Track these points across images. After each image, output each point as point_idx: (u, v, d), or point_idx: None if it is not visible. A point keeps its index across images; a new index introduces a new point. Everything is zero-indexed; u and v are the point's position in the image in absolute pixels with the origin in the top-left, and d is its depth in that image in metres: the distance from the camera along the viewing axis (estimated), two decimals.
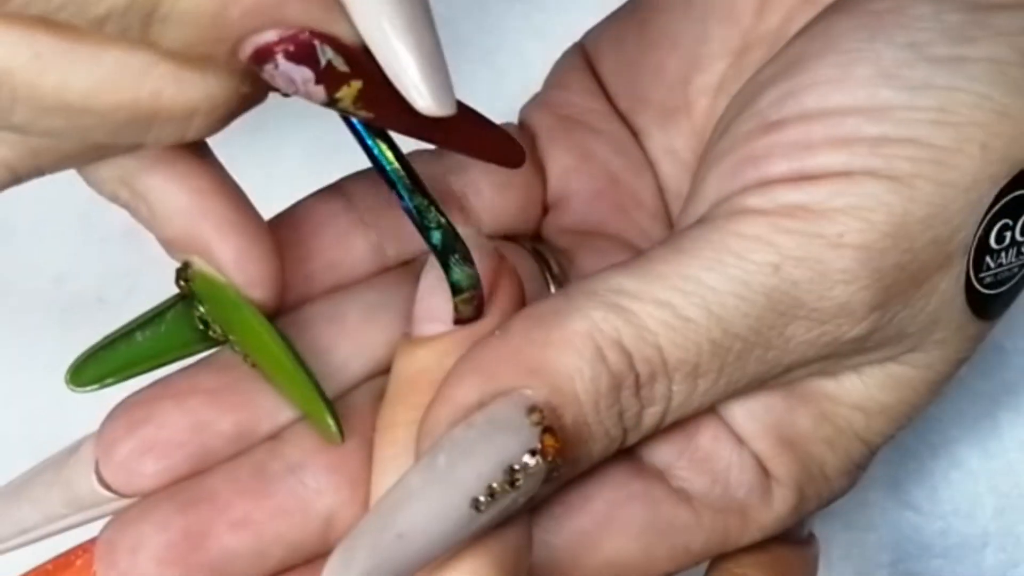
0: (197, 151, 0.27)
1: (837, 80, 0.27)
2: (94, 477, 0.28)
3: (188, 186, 0.27)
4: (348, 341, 0.29)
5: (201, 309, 0.28)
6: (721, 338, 0.26)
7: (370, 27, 0.22)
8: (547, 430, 0.25)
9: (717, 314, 0.26)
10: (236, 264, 0.27)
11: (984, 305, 0.28)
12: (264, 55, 0.22)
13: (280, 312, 0.28)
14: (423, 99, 0.22)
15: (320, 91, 0.23)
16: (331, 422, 0.26)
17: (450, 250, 0.26)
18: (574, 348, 0.26)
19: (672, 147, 0.33)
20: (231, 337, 0.28)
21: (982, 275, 0.28)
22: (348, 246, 0.31)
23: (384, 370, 0.29)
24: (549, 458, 0.25)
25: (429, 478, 0.24)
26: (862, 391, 0.29)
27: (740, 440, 0.29)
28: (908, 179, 0.26)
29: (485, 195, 0.32)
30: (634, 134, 0.34)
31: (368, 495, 0.27)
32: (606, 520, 0.28)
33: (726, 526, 0.28)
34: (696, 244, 0.26)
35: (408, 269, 0.31)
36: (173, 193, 0.27)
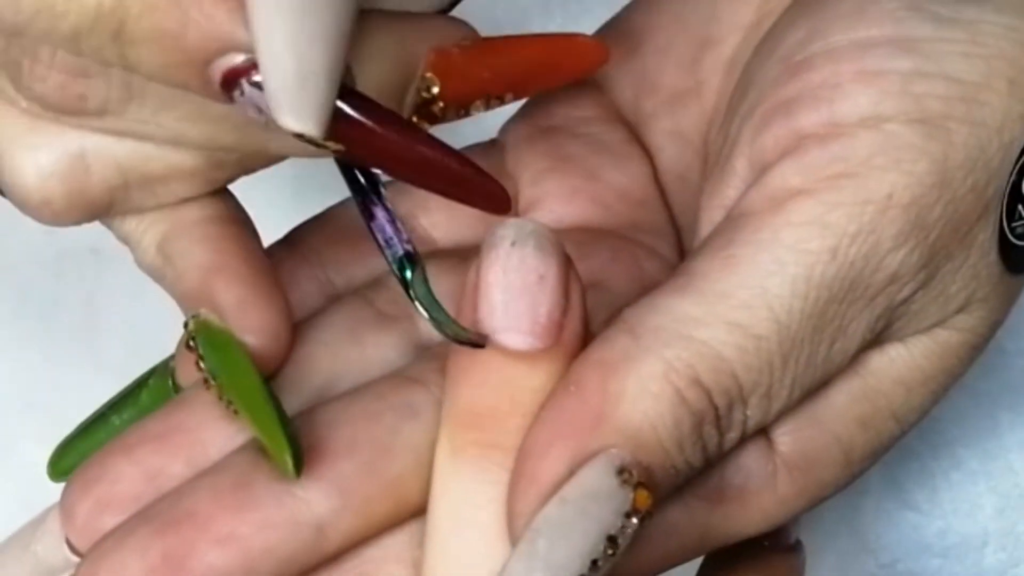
0: (229, 219, 0.29)
1: (861, 11, 0.27)
2: (65, 547, 0.27)
3: (211, 246, 0.28)
4: (290, 362, 0.29)
5: (203, 364, 0.28)
6: (790, 349, 0.25)
7: (254, 23, 0.22)
8: (638, 485, 0.24)
9: (784, 323, 0.25)
10: (235, 310, 0.27)
11: (1016, 257, 0.28)
12: (230, 81, 0.23)
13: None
14: (281, 110, 0.21)
15: None
16: (289, 460, 0.25)
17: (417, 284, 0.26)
18: (652, 395, 0.25)
19: (679, 129, 0.32)
20: (220, 384, 0.27)
21: (1014, 224, 0.27)
22: (296, 286, 0.30)
23: (332, 380, 0.29)
24: (643, 513, 0.24)
25: (532, 566, 0.23)
26: (908, 361, 0.28)
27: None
28: (940, 120, 0.26)
29: (434, 213, 0.32)
30: (632, 128, 0.33)
31: (363, 502, 0.26)
32: None
33: (723, 518, 0.28)
34: (750, 249, 0.26)
35: (349, 290, 0.31)
36: (197, 252, 0.28)
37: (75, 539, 0.27)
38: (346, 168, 0.27)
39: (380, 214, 0.27)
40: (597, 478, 0.24)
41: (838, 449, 0.28)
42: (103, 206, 0.27)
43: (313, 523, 0.26)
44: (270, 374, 0.28)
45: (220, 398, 0.27)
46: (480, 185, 0.26)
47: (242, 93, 0.23)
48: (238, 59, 0.22)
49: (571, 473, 0.24)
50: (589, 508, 0.24)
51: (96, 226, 0.28)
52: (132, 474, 0.27)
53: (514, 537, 0.25)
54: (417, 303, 0.26)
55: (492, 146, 0.34)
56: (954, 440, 0.40)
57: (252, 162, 0.28)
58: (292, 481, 0.25)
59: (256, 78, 0.22)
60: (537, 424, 0.25)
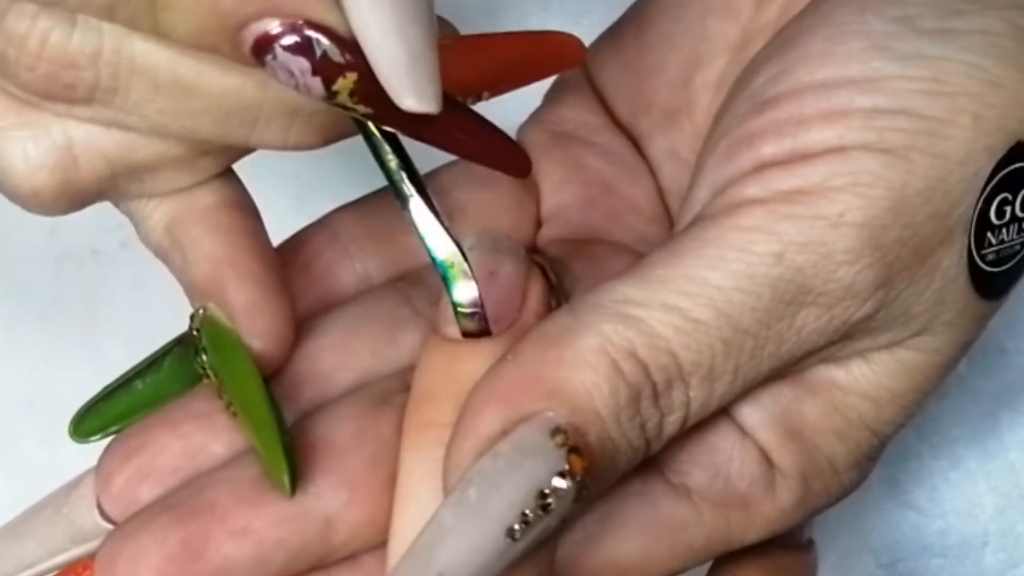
0: (239, 206, 0.29)
1: (828, 53, 0.27)
2: (96, 512, 0.28)
3: (223, 238, 0.28)
4: (332, 353, 0.29)
5: (203, 357, 0.28)
6: (732, 336, 0.26)
7: (355, 16, 0.22)
8: (573, 450, 0.24)
9: (726, 312, 0.26)
10: (245, 312, 0.28)
11: (988, 283, 0.28)
12: (263, 46, 0.23)
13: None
14: (402, 93, 0.22)
15: (317, 83, 0.23)
16: (286, 480, 0.26)
17: (449, 265, 0.26)
18: (589, 365, 0.25)
19: (674, 149, 0.33)
20: (221, 382, 0.28)
21: (984, 252, 0.28)
22: (336, 280, 0.31)
23: (369, 378, 0.29)
24: (578, 478, 0.24)
25: (462, 513, 0.24)
26: (872, 379, 0.28)
27: (744, 430, 0.28)
28: (903, 152, 0.26)
29: (471, 216, 0.32)
30: (635, 141, 0.34)
31: (369, 494, 0.27)
32: (603, 519, 0.28)
33: (728, 521, 0.28)
34: (696, 243, 0.26)
35: (390, 283, 0.31)
36: (208, 243, 0.28)
37: (109, 506, 0.27)
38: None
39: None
40: (531, 436, 0.25)
41: (823, 460, 0.29)
42: (92, 196, 0.27)
43: (322, 517, 0.27)
44: (271, 375, 0.28)
45: (220, 396, 0.27)
46: (502, 147, 0.27)
47: (275, 58, 0.23)
48: (272, 25, 0.23)
49: (505, 432, 0.25)
50: (522, 463, 0.24)
51: (96, 227, 0.28)
52: (175, 448, 0.27)
53: (447, 488, 0.25)
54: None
55: None
56: (954, 440, 0.40)
57: (239, 151, 0.28)
58: (286, 496, 0.26)
59: (286, 42, 0.23)
60: (475, 388, 0.26)
